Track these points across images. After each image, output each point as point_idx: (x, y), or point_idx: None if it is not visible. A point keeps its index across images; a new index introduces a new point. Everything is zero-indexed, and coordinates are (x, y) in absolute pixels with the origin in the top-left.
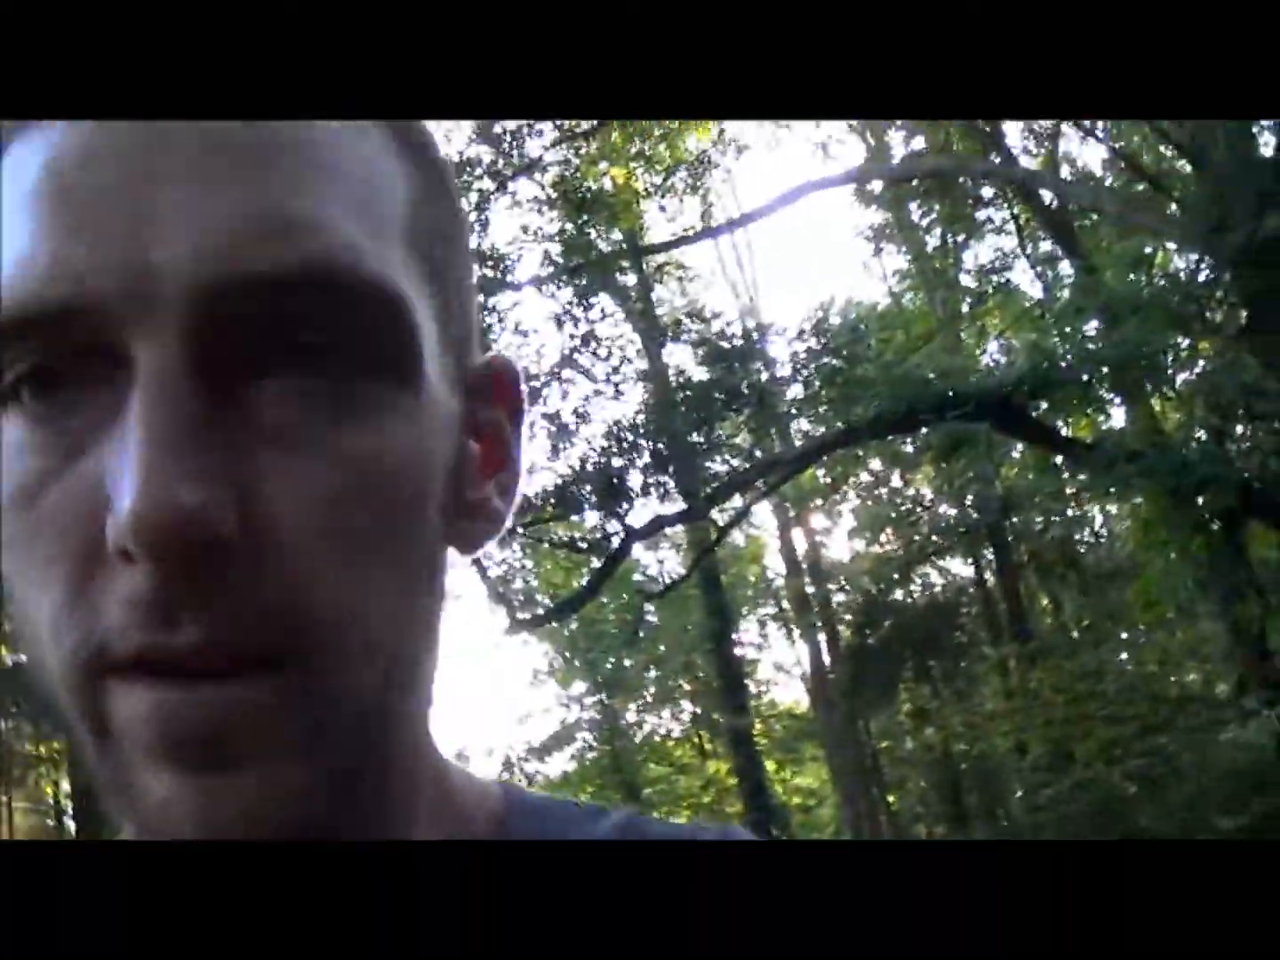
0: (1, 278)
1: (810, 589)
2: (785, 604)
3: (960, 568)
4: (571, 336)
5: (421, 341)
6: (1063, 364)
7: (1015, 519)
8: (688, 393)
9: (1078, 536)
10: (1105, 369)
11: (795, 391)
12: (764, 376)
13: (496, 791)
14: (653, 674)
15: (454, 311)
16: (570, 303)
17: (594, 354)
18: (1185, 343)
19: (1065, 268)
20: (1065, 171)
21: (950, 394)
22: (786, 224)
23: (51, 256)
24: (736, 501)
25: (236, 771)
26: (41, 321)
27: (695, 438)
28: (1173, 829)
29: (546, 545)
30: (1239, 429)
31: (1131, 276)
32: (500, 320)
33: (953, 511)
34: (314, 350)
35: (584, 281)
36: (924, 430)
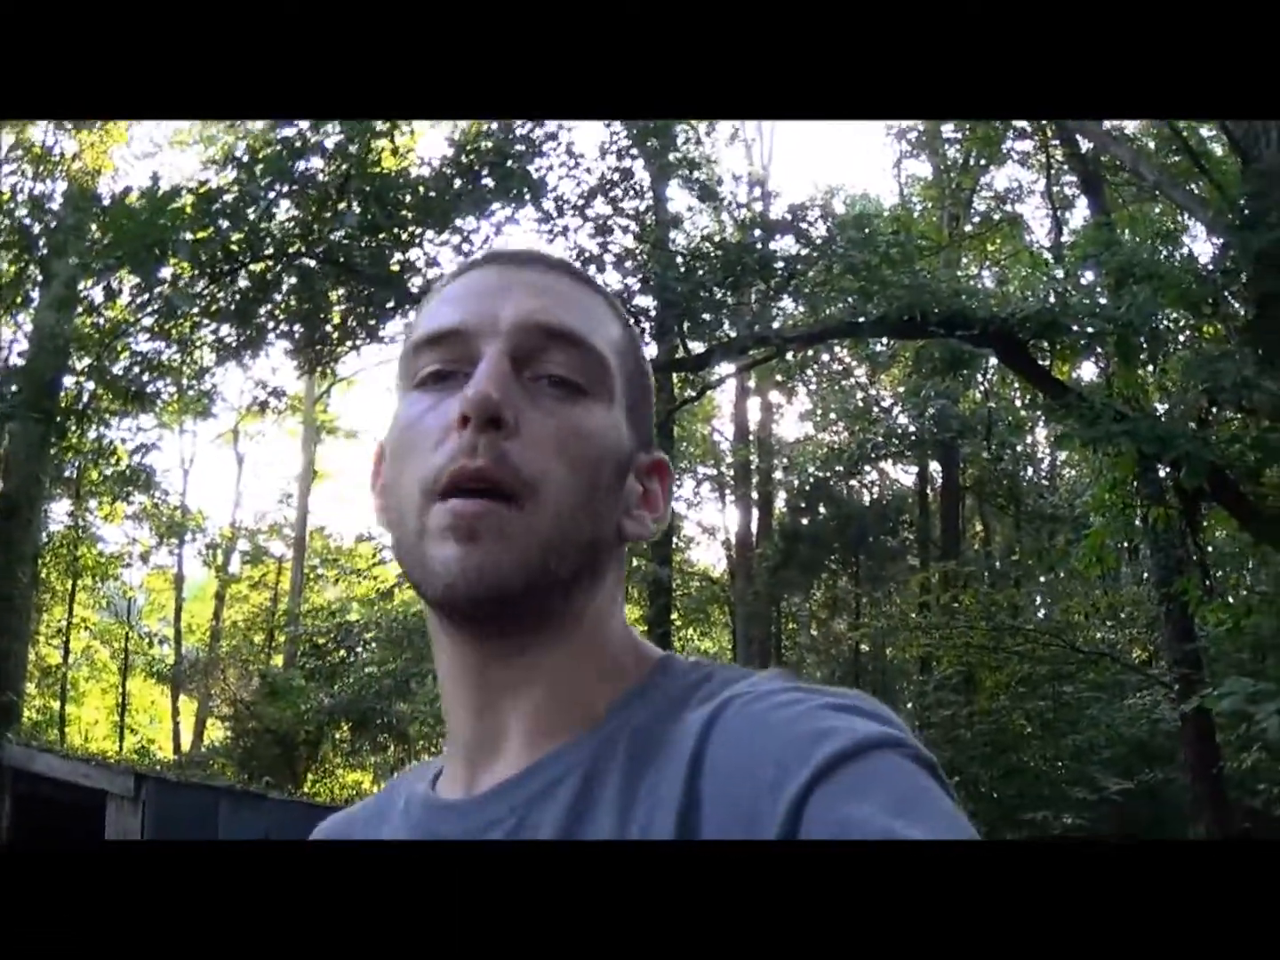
0: (428, 325)
1: (754, 460)
2: (725, 469)
3: (904, 476)
4: (613, 169)
5: (614, 384)
6: (1071, 312)
7: (967, 442)
8: (718, 252)
9: (1025, 474)
10: (1110, 326)
11: (812, 273)
12: (795, 252)
13: (656, 654)
14: None
15: (637, 397)
16: (616, 134)
17: (630, 188)
18: (1190, 321)
19: (1078, 217)
20: (1106, 124)
21: (963, 314)
22: None
23: (455, 313)
24: (720, 365)
25: (479, 546)
26: (442, 338)
27: (714, 294)
28: (1053, 775)
29: None
30: (1226, 416)
31: (1151, 244)
32: (551, 139)
33: (907, 420)
34: (562, 377)
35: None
36: (922, 341)
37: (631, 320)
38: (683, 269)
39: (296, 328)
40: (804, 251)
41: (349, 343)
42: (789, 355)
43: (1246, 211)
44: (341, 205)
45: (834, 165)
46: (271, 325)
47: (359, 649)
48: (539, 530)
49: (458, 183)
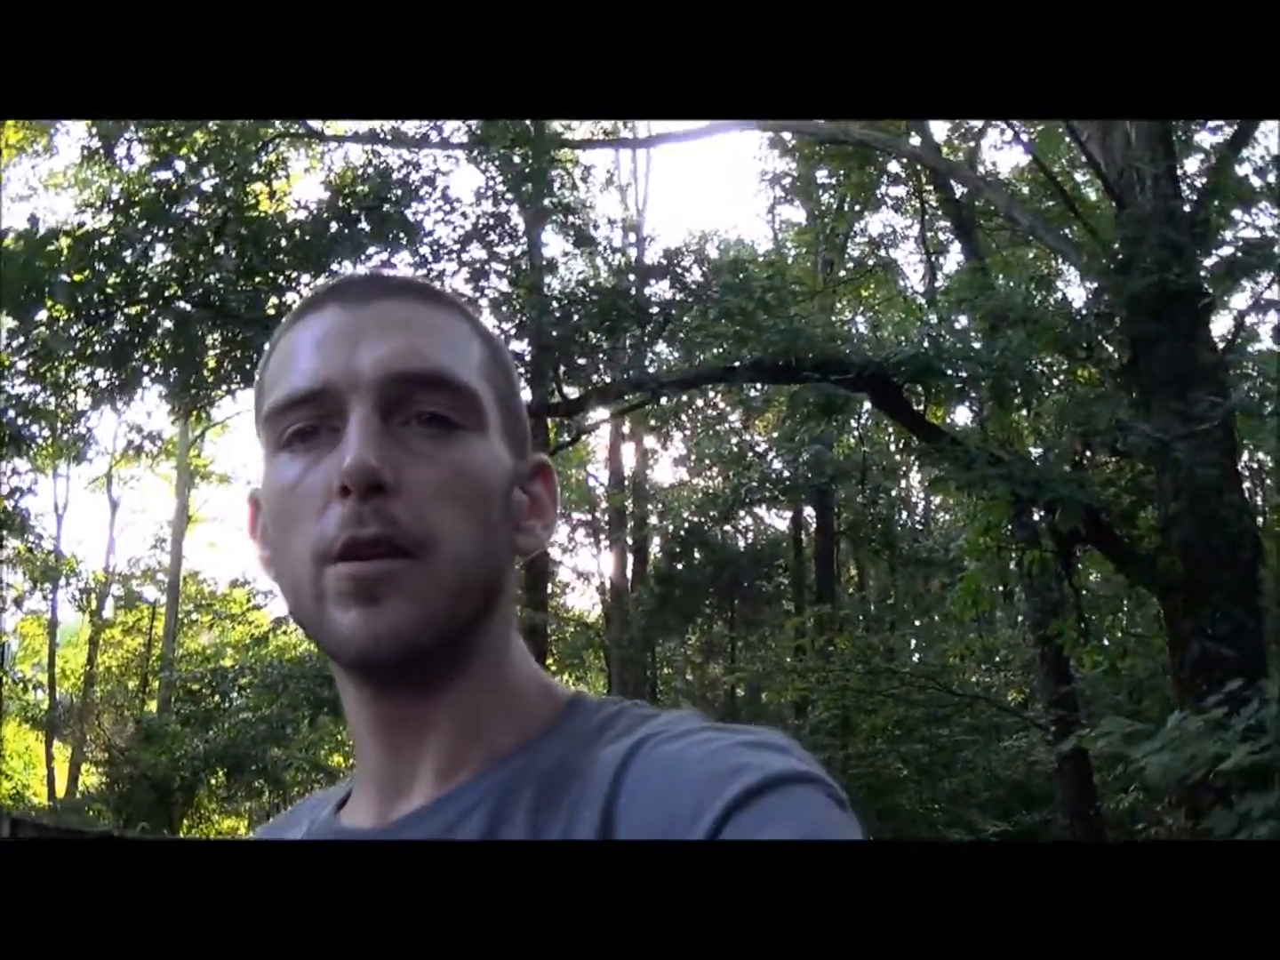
0: (287, 384)
1: (629, 505)
2: (600, 514)
3: (779, 521)
4: (488, 214)
5: (486, 415)
6: (946, 357)
7: (841, 487)
8: (594, 297)
9: (899, 518)
10: (984, 370)
11: (688, 318)
12: (671, 297)
13: (566, 695)
14: None
15: (509, 413)
16: (492, 179)
17: (505, 233)
18: (1065, 365)
19: (952, 262)
20: (980, 170)
21: (838, 358)
22: (692, 150)
23: (313, 370)
24: (595, 410)
25: (383, 607)
26: (304, 400)
27: (590, 339)
28: (931, 818)
29: None
30: (1100, 459)
31: (1025, 288)
32: (429, 183)
33: (782, 465)
34: (433, 414)
35: (499, 159)
36: (796, 386)
37: (487, 327)
38: (558, 314)
39: (172, 371)
40: (679, 297)
41: (224, 387)
42: (664, 400)
43: (1121, 256)
44: (219, 249)
45: (708, 210)
46: (146, 369)
47: (233, 694)
48: (440, 580)
49: (334, 226)
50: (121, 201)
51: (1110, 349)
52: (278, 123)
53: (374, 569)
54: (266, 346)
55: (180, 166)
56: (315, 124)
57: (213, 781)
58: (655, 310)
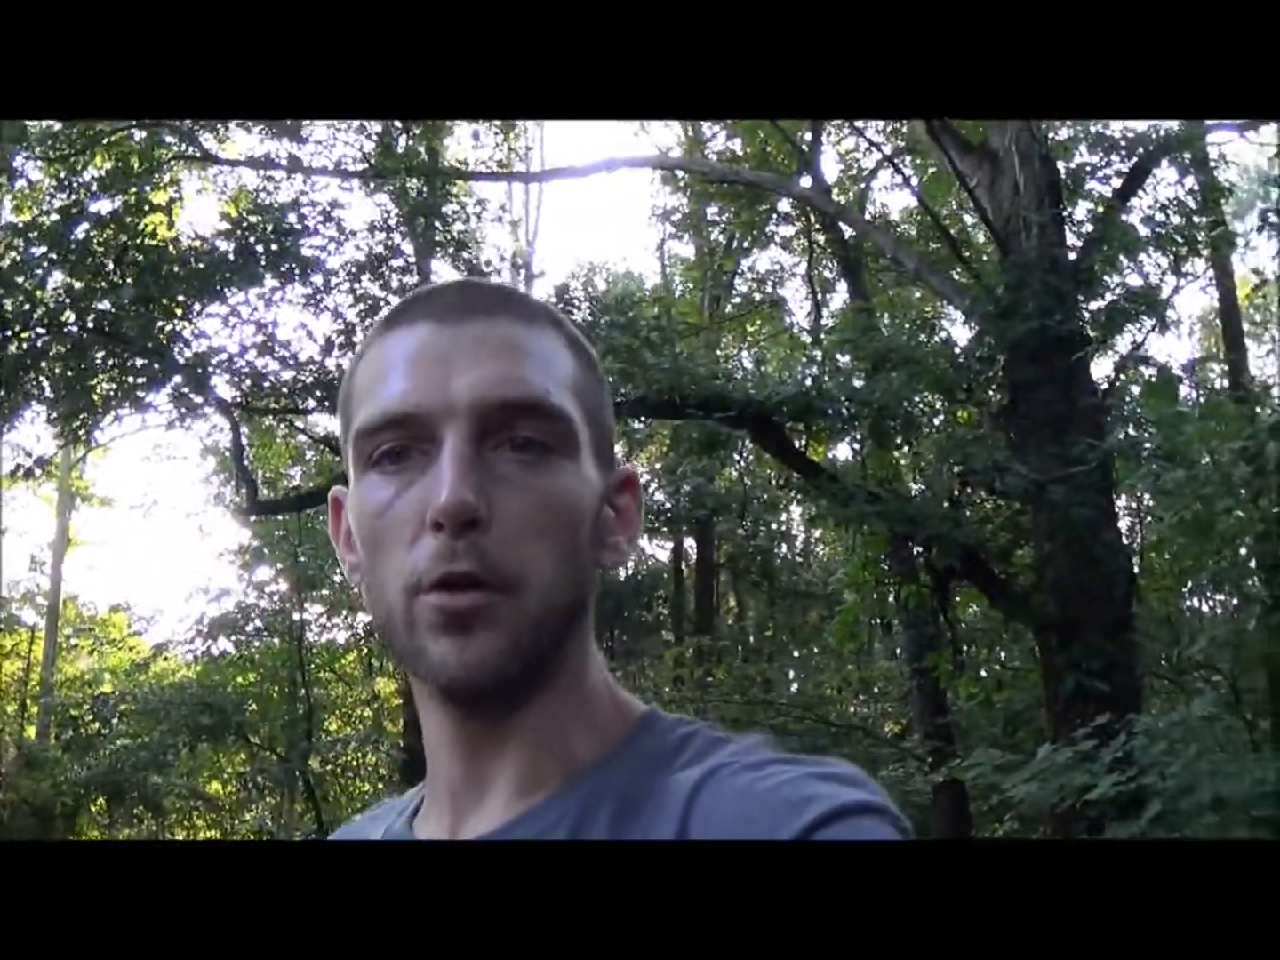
0: (378, 403)
1: None
2: None
3: (660, 552)
4: (380, 244)
5: (579, 437)
6: (828, 395)
7: (722, 519)
8: None
9: (779, 551)
10: (864, 410)
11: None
12: None
13: (639, 710)
14: (338, 578)
15: (599, 431)
16: (386, 211)
17: (399, 266)
18: (943, 405)
19: (838, 299)
20: (870, 210)
21: (720, 395)
22: (584, 185)
23: (406, 392)
24: None
25: (473, 638)
26: (397, 422)
27: None
28: None
29: (305, 438)
30: (978, 498)
31: (909, 329)
32: (325, 216)
33: (664, 497)
34: (526, 438)
35: (394, 191)
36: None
37: (580, 335)
38: None
39: (61, 396)
40: None
41: (112, 412)
42: None
43: (1004, 301)
44: (116, 276)
45: (599, 245)
46: (36, 392)
47: (114, 721)
48: (528, 611)
49: (230, 256)
50: (19, 224)
51: (990, 391)
52: (173, 144)
53: (465, 601)
54: (352, 354)
55: (79, 191)
56: (211, 146)
57: (93, 808)
58: None
